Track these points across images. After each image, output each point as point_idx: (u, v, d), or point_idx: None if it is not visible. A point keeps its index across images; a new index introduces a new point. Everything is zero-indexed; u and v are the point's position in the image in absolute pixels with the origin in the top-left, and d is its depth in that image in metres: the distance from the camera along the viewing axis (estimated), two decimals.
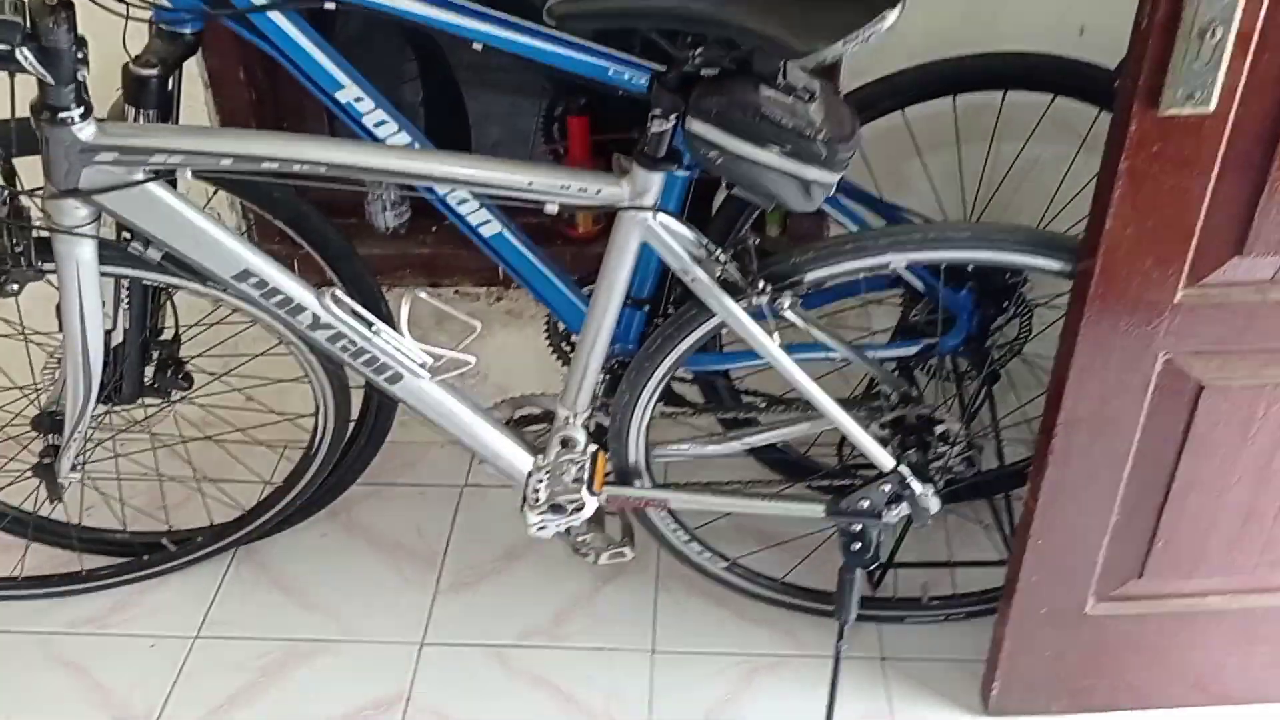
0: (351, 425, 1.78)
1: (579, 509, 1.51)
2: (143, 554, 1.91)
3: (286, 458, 1.97)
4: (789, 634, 1.81)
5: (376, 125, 1.45)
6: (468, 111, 2.39)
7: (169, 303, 1.62)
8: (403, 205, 1.99)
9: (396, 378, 1.45)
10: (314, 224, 1.57)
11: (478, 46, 1.38)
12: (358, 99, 1.43)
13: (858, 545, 1.52)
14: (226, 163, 1.23)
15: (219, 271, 1.34)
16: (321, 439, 1.76)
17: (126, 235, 1.43)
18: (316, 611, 1.87)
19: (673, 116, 1.25)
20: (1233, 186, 1.14)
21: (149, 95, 1.34)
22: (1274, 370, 1.29)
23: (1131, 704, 1.65)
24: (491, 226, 1.54)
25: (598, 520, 1.66)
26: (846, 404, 1.49)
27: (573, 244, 1.97)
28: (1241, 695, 1.64)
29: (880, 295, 1.75)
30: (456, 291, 2.01)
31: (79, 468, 1.66)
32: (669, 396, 1.77)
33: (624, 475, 1.60)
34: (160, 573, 1.92)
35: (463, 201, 1.52)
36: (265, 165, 1.24)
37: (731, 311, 1.35)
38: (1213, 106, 1.07)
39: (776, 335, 1.36)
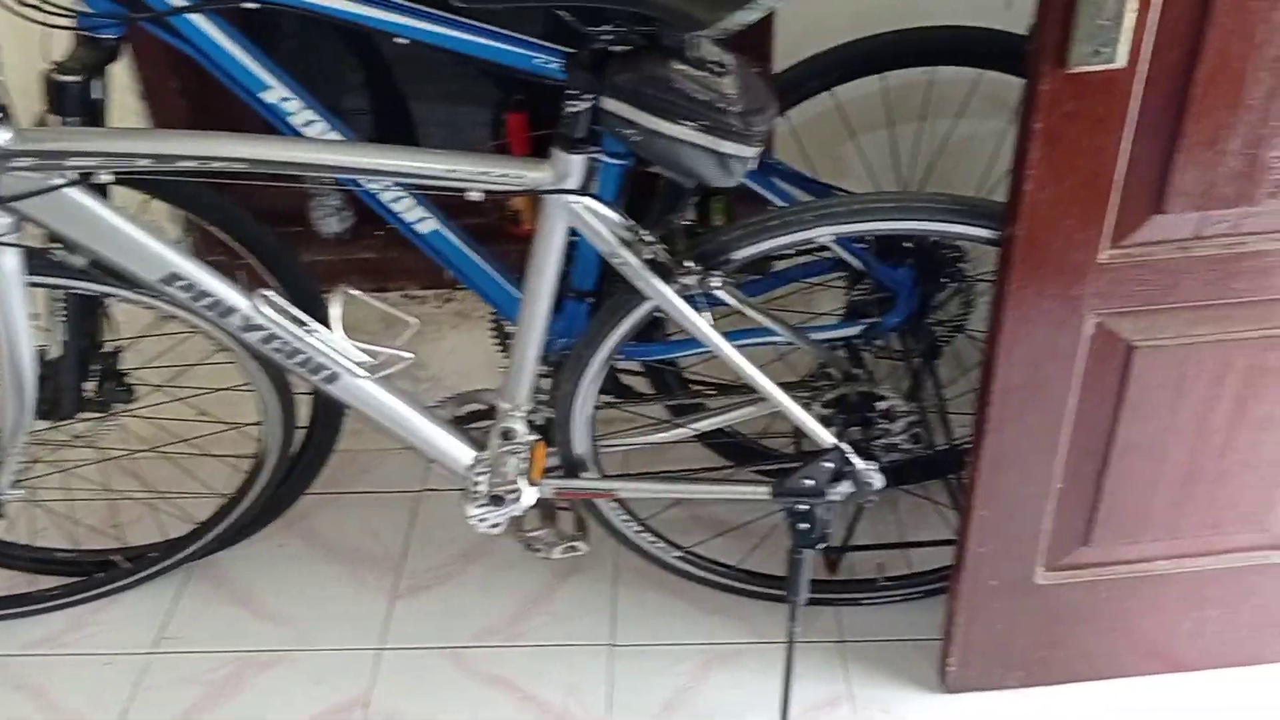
0: (299, 433, 1.77)
1: (517, 499, 1.51)
2: (94, 572, 1.89)
3: (239, 469, 1.96)
4: (747, 622, 1.81)
5: (305, 125, 1.44)
6: (414, 118, 2.38)
7: (105, 314, 1.61)
8: (346, 211, 1.99)
9: (334, 377, 1.45)
10: (247, 227, 1.57)
11: (402, 41, 1.38)
12: (284, 99, 1.43)
13: (805, 525, 1.51)
14: (144, 163, 1.23)
15: (145, 275, 1.33)
16: (268, 448, 1.75)
17: (59, 245, 1.42)
18: (273, 621, 1.86)
19: (588, 96, 1.25)
20: (1147, 144, 1.15)
21: (70, 102, 1.34)
22: (1203, 328, 1.29)
23: (1088, 674, 1.64)
24: (427, 223, 1.54)
25: (550, 516, 1.66)
26: (788, 385, 1.49)
27: (520, 242, 1.95)
28: (1196, 661, 1.64)
29: (823, 279, 1.75)
30: (404, 295, 2.00)
31: (21, 485, 1.64)
32: (617, 388, 1.77)
33: (573, 467, 1.60)
34: (115, 590, 1.90)
35: (397, 199, 1.51)
36: (182, 164, 1.24)
37: (661, 293, 1.34)
38: (1121, 62, 1.07)
39: (709, 315, 1.35)
